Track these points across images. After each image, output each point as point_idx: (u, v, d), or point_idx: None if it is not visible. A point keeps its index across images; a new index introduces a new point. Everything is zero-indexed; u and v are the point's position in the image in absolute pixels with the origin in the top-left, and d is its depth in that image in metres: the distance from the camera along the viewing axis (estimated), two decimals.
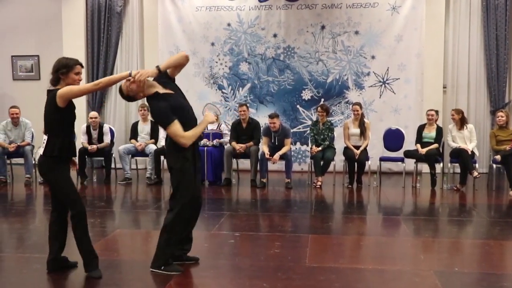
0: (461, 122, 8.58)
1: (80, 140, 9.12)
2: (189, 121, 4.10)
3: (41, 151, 4.03)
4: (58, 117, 3.93)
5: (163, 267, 4.12)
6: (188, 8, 10.70)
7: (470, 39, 10.30)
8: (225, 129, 9.31)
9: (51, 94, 3.90)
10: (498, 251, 5.06)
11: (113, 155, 9.40)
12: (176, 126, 3.96)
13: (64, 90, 3.84)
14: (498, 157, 8.12)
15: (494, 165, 8.51)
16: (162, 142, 9.06)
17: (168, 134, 4.05)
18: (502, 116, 8.44)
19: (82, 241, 4.06)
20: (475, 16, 10.26)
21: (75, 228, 4.04)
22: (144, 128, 9.37)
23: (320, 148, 8.65)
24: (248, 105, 9.24)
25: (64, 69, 3.93)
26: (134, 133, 9.42)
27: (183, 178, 4.07)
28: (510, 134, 8.38)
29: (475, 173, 8.09)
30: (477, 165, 8.47)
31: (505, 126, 8.45)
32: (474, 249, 5.17)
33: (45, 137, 3.98)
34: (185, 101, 4.22)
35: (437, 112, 8.89)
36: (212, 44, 10.69)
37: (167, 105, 4.01)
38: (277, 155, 8.36)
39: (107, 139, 9.19)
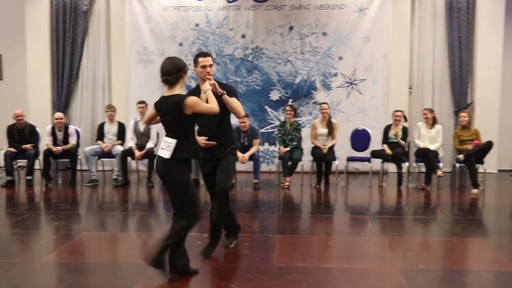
0: (433, 121, 8.76)
1: (45, 141, 8.99)
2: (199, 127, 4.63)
3: (163, 153, 4.00)
4: (188, 123, 4.03)
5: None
6: (156, 8, 10.62)
7: (435, 41, 10.49)
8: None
9: (175, 101, 3.97)
10: (460, 248, 5.19)
11: (79, 157, 9.27)
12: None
13: (192, 102, 3.95)
14: (461, 156, 8.30)
15: (457, 164, 8.70)
16: (129, 143, 8.98)
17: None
18: (464, 117, 8.63)
19: (175, 241, 4.07)
20: (439, 19, 10.46)
21: (181, 229, 4.08)
22: (111, 129, 9.26)
23: (288, 149, 8.69)
24: None
25: (186, 68, 4.13)
26: (100, 134, 9.29)
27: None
28: (472, 134, 8.58)
29: (439, 172, 8.25)
30: (441, 164, 8.64)
31: (467, 126, 8.64)
32: (438, 247, 5.28)
33: (171, 140, 3.99)
34: (209, 117, 4.41)
35: (405, 117, 9.00)
36: (180, 44, 10.63)
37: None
38: (246, 155, 8.37)
39: (73, 140, 9.06)
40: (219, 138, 4.57)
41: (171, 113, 3.98)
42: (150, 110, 4.33)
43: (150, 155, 8.83)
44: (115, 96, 10.74)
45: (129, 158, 8.93)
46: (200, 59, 4.47)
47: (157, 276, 4.14)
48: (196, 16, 10.59)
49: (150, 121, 4.37)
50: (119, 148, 8.97)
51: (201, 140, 4.43)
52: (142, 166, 9.86)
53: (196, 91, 4.52)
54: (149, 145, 8.92)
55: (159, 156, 4.04)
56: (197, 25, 10.61)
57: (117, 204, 7.48)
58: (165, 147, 3.99)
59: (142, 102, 9.16)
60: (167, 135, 4.05)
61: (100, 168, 9.63)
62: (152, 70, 10.59)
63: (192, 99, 3.97)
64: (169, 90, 4.07)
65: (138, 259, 4.81)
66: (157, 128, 9.24)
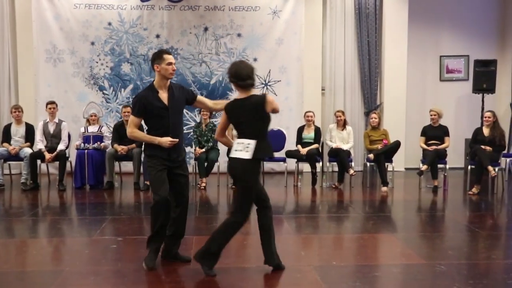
0: (344, 122, 9.04)
1: None
2: (160, 128, 4.37)
3: (242, 155, 4.04)
4: (266, 122, 4.14)
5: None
6: (66, 5, 10.23)
7: (346, 45, 10.86)
8: (107, 131, 9.05)
9: (257, 100, 4.08)
10: (371, 244, 5.39)
11: None
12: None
13: (271, 98, 4.10)
14: (371, 155, 8.64)
15: (368, 163, 9.04)
16: (38, 145, 8.62)
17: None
18: (375, 118, 8.98)
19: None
20: (349, 23, 10.84)
21: (227, 226, 4.20)
22: (18, 131, 8.83)
23: (203, 150, 8.67)
24: (131, 106, 9.03)
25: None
26: (6, 136, 8.84)
27: None
28: (382, 134, 8.95)
29: (351, 171, 8.52)
30: (353, 163, 8.94)
31: (377, 126, 9.00)
32: (350, 243, 5.46)
33: (249, 141, 4.05)
34: (174, 117, 4.42)
35: (313, 113, 9.22)
36: (92, 43, 10.33)
37: (145, 101, 4.34)
38: None
39: None
40: (180, 138, 4.49)
41: (252, 114, 4.07)
42: (221, 120, 4.36)
43: (62, 157, 8.52)
44: (23, 96, 10.26)
45: (38, 161, 8.56)
46: (166, 56, 4.38)
47: (72, 279, 4.01)
48: (108, 15, 10.33)
49: (224, 131, 4.38)
50: (27, 151, 8.58)
51: (167, 140, 4.30)
52: (53, 169, 9.48)
53: (152, 91, 4.41)
54: (61, 147, 8.61)
55: (235, 158, 4.10)
56: (109, 24, 10.35)
57: (26, 209, 7.14)
58: (242, 148, 4.07)
59: (52, 102, 8.82)
60: (241, 137, 4.13)
61: (6, 172, 9.15)
62: (62, 69, 10.23)
63: (270, 96, 4.16)
64: (244, 93, 4.16)
65: (49, 265, 4.65)
66: (69, 129, 8.96)
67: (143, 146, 4.98)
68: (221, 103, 4.69)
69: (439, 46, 11.39)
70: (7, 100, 10.34)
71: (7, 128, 8.90)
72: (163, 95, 4.39)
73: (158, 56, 4.42)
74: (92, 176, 8.53)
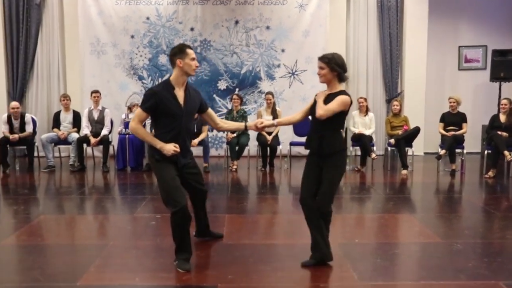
0: (366, 109, 8.95)
1: (1, 129, 8.66)
2: (171, 130, 3.82)
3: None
4: (343, 116, 3.84)
5: None
6: (108, 2, 10.31)
7: (368, 36, 10.72)
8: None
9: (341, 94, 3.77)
10: (391, 223, 5.36)
11: (36, 144, 8.98)
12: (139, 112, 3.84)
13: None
14: (392, 140, 8.55)
15: (389, 148, 8.95)
16: (84, 131, 8.79)
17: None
18: (396, 105, 8.88)
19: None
20: (372, 16, 10.68)
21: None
22: (67, 117, 9.02)
23: (235, 135, 8.70)
24: None
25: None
26: (56, 122, 9.04)
27: None
28: (402, 120, 8.84)
29: (373, 155, 8.46)
30: (374, 148, 8.85)
31: (398, 113, 8.90)
32: (372, 223, 5.43)
33: None
34: (187, 119, 3.94)
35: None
36: (132, 36, 10.42)
37: (158, 98, 3.74)
38: (196, 141, 8.34)
39: (29, 128, 8.75)
40: (188, 143, 4.05)
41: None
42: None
43: (105, 141, 8.68)
44: (70, 86, 10.43)
45: (84, 145, 8.72)
46: (189, 51, 3.82)
47: (115, 253, 4.10)
48: (147, 10, 10.39)
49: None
50: (75, 135, 8.76)
51: (171, 148, 3.77)
52: (98, 152, 9.66)
53: (168, 88, 3.81)
54: (104, 132, 8.76)
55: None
56: (148, 18, 10.41)
57: (74, 188, 7.29)
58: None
59: (96, 91, 8.97)
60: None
61: (56, 154, 9.35)
62: (105, 60, 10.36)
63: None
64: (336, 87, 3.87)
65: (95, 239, 4.76)
66: (111, 115, 9.10)
67: (148, 149, 4.19)
68: (229, 123, 4.45)
69: (458, 36, 11.13)
70: (56, 90, 10.54)
71: (57, 115, 9.09)
72: (180, 93, 3.83)
73: (181, 51, 3.83)
74: (132, 159, 8.65)
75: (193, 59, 3.82)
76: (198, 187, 4.20)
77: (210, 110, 4.26)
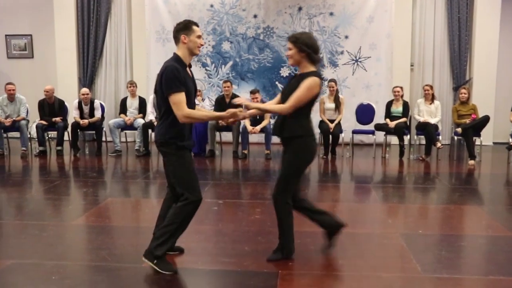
0: (432, 97, 8.67)
1: (73, 115, 9.04)
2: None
3: None
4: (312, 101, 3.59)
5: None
6: None
7: (435, 21, 10.31)
8: (209, 104, 9.25)
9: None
10: (457, 215, 5.17)
11: (104, 129, 9.32)
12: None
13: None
14: (459, 130, 8.23)
15: (456, 137, 8.64)
16: (150, 117, 9.01)
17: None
18: (464, 93, 8.52)
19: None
20: (439, 0, 10.26)
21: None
22: (133, 103, 9.28)
23: (258, 128, 8.52)
24: (231, 81, 9.17)
25: None
26: (123, 108, 9.32)
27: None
28: (470, 109, 8.49)
29: (439, 145, 8.19)
30: (440, 137, 8.57)
31: (466, 101, 8.54)
32: (436, 213, 5.26)
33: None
34: (194, 98, 3.67)
35: (401, 88, 8.89)
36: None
37: (178, 73, 3.38)
38: (258, 128, 8.36)
39: (98, 114, 9.08)
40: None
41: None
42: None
43: None
44: (136, 73, 10.73)
45: (150, 130, 8.94)
46: (195, 28, 3.49)
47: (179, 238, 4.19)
48: None
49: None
50: (140, 121, 8.99)
51: (236, 112, 3.59)
52: None
53: (181, 65, 3.47)
54: None
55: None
56: (211, 6, 10.50)
57: (140, 173, 7.52)
58: None
59: None
60: None
61: (123, 139, 9.67)
62: (170, 48, 10.51)
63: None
64: (308, 67, 3.68)
65: None
66: None
67: (159, 138, 3.67)
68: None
69: None
70: (123, 76, 10.86)
71: (124, 101, 9.37)
72: (189, 72, 3.56)
73: (186, 27, 3.48)
74: (196, 145, 8.79)
75: (199, 36, 3.50)
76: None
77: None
